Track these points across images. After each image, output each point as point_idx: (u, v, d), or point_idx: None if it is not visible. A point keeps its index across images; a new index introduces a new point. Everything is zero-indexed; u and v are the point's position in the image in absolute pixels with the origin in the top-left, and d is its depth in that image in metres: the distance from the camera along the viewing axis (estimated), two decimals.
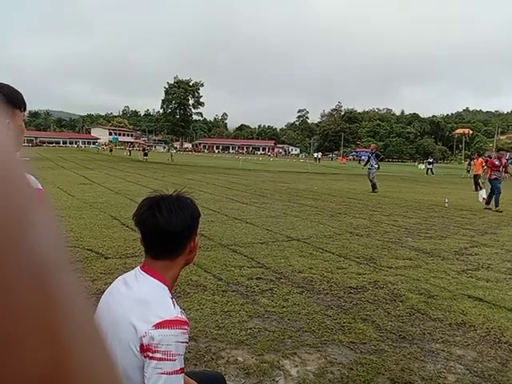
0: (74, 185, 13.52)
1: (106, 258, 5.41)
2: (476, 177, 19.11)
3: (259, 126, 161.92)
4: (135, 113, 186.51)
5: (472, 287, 4.95)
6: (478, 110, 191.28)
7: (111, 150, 56.15)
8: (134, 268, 1.50)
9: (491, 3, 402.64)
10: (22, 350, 0.20)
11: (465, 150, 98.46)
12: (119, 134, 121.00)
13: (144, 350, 1.25)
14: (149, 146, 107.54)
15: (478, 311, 4.23)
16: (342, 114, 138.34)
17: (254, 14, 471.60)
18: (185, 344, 1.29)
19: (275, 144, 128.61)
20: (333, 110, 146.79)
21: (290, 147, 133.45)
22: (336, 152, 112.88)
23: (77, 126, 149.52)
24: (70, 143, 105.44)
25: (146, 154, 37.38)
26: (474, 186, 19.12)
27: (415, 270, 5.56)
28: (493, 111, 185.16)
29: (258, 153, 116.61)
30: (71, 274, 0.25)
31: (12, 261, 0.20)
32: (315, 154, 68.96)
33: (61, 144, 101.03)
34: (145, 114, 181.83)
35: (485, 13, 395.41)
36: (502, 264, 6.07)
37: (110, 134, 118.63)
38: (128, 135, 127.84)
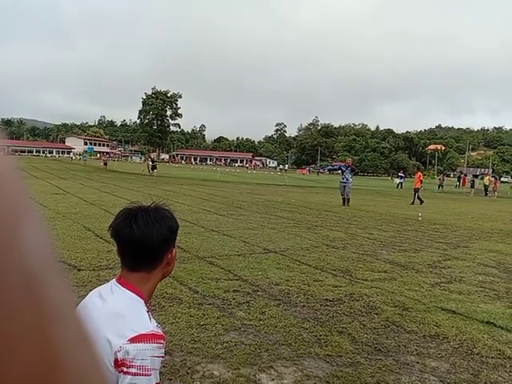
0: (46, 195, 13.19)
1: (78, 270, 5.28)
2: (416, 190, 19.57)
3: (237, 139, 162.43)
4: (111, 123, 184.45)
5: (445, 300, 5.04)
6: (450, 126, 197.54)
7: (105, 164, 42.01)
8: (107, 280, 1.47)
9: (464, 25, 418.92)
10: (11, 352, 0.20)
11: (437, 165, 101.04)
12: (95, 144, 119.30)
13: (119, 364, 1.22)
14: (124, 157, 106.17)
15: (451, 323, 4.30)
16: (319, 128, 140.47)
17: (232, 28, 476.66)
18: (160, 358, 1.26)
19: (253, 156, 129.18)
20: (310, 124, 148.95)
21: (268, 160, 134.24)
22: (313, 165, 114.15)
23: (51, 135, 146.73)
24: (43, 152, 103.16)
25: (154, 168, 30.44)
26: (413, 199, 19.49)
27: (390, 283, 5.63)
28: (464, 128, 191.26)
29: (236, 165, 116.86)
30: (59, 277, 0.25)
31: (2, 265, 0.20)
32: (280, 166, 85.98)
33: (34, 153, 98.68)
34: (121, 125, 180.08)
35: (457, 35, 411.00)
36: (474, 277, 6.22)
37: (86, 143, 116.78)
38: (104, 145, 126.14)
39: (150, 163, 32.29)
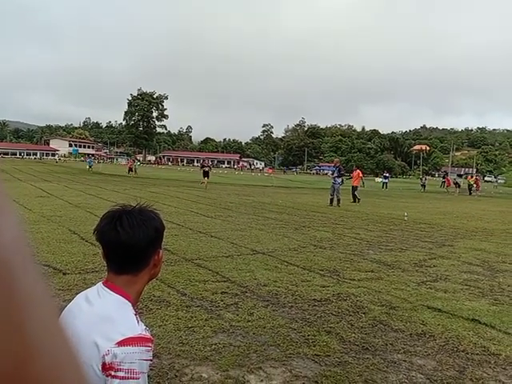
0: (30, 198, 13.00)
1: (64, 274, 5.21)
2: (354, 188, 18.91)
3: (224, 140, 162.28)
4: (97, 124, 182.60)
5: (431, 298, 5.10)
6: (435, 127, 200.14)
7: (132, 170, 35.55)
8: (93, 284, 1.45)
9: (449, 29, 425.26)
10: None
11: (422, 165, 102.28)
12: (79, 146, 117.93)
13: (106, 368, 1.21)
14: (110, 159, 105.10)
15: (436, 321, 4.36)
16: (306, 129, 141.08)
17: (218, 29, 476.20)
18: (149, 362, 1.26)
19: (240, 158, 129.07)
20: (296, 125, 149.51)
21: (255, 161, 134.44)
22: (300, 166, 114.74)
23: (35, 137, 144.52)
24: (27, 155, 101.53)
25: (206, 174, 23.59)
26: (351, 198, 18.63)
27: (377, 282, 5.68)
28: (448, 129, 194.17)
29: (223, 166, 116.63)
30: (35, 273, 0.25)
31: None
32: (260, 167, 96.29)
33: (18, 155, 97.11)
34: (107, 126, 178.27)
35: (442, 38, 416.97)
36: (459, 275, 6.31)
37: (70, 145, 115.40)
38: (89, 147, 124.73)
39: (202, 169, 24.60)
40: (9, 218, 0.25)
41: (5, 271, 0.23)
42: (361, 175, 19.75)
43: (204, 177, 23.17)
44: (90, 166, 41.78)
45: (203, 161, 30.25)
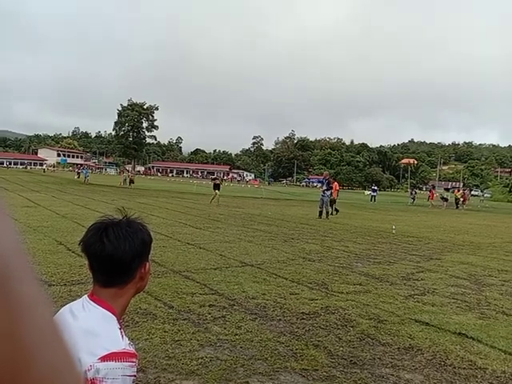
0: (17, 208, 12.81)
1: (49, 286, 5.12)
2: (332, 201, 18.29)
3: (214, 151, 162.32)
4: (86, 134, 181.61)
5: (419, 312, 5.11)
6: (422, 141, 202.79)
7: (132, 182, 34.37)
8: (79, 296, 1.43)
9: (436, 45, 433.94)
10: None
11: (410, 178, 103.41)
12: (68, 156, 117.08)
13: None
14: (99, 169, 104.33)
15: (424, 335, 4.36)
16: (295, 141, 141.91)
17: (208, 41, 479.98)
18: (132, 377, 1.23)
19: (230, 169, 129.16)
20: (286, 137, 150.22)
21: (245, 173, 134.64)
22: (289, 178, 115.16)
23: (23, 146, 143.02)
24: (14, 164, 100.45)
25: (217, 187, 22.26)
26: (330, 209, 17.96)
27: (365, 295, 5.68)
28: (436, 143, 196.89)
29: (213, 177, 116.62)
30: (31, 277, 0.26)
31: None
32: (247, 178, 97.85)
33: (4, 165, 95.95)
34: (96, 136, 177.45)
35: (428, 55, 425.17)
36: (446, 289, 6.34)
37: (59, 155, 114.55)
38: (77, 157, 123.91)
39: (213, 182, 24.21)
40: (4, 223, 0.25)
41: (2, 278, 0.23)
42: (337, 188, 19.47)
43: (214, 189, 22.44)
44: (86, 177, 38.63)
45: (215, 174, 27.87)
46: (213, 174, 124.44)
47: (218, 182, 23.66)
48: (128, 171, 49.09)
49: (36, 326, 0.25)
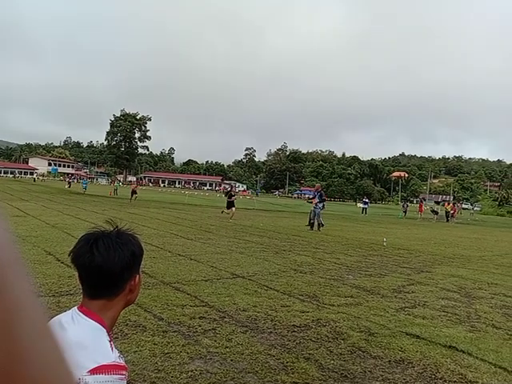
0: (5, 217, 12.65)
1: (38, 297, 5.04)
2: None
3: (207, 162, 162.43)
4: (77, 144, 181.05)
5: (410, 324, 5.11)
6: (413, 155, 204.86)
7: (135, 193, 30.25)
8: (68, 307, 1.42)
9: (426, 60, 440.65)
10: None
11: (401, 191, 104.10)
12: (59, 165, 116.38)
13: None
14: (90, 178, 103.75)
15: (415, 348, 4.36)
16: (288, 153, 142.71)
17: (202, 53, 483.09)
18: None
19: (222, 180, 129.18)
20: (278, 149, 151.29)
21: (237, 184, 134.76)
22: (281, 190, 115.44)
23: (13, 155, 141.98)
24: (4, 173, 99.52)
25: (232, 204, 19.58)
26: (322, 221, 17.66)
27: (356, 308, 5.67)
28: (426, 156, 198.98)
29: (205, 188, 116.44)
30: (23, 274, 0.26)
31: None
32: (237, 190, 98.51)
33: None
34: (88, 146, 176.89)
35: (420, 69, 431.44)
36: (437, 301, 6.36)
37: (50, 164, 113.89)
38: (69, 166, 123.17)
39: (228, 195, 20.58)
40: (1, 232, 0.26)
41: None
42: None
43: (229, 208, 19.39)
44: (85, 188, 36.82)
45: (230, 188, 23.52)
46: (205, 184, 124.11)
47: (234, 197, 19.92)
48: (131, 182, 47.42)
49: (28, 321, 0.25)
